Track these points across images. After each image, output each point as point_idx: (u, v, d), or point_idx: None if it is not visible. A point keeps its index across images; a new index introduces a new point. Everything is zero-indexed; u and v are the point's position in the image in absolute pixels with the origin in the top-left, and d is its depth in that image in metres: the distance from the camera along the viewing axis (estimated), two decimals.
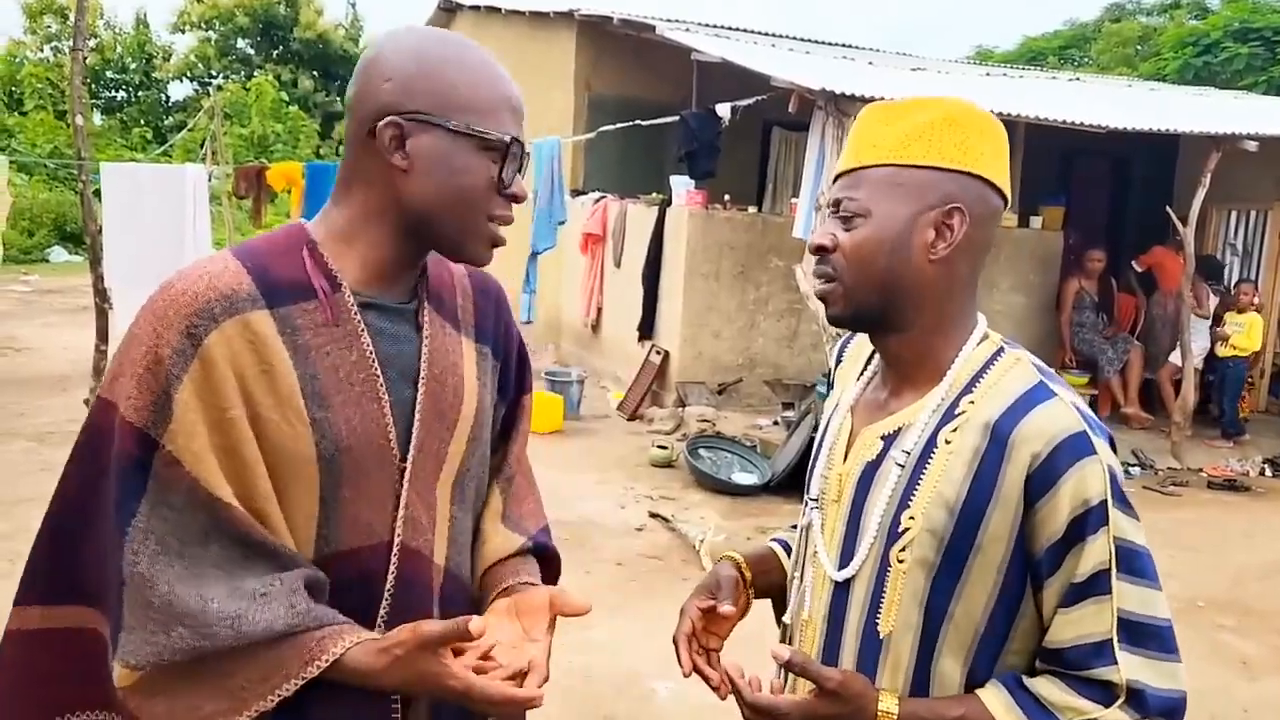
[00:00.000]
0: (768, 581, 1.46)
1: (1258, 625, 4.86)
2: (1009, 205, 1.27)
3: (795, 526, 1.52)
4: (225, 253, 1.23)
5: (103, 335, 7.04)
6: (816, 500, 1.33)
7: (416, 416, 1.26)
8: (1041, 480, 1.13)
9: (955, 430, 1.19)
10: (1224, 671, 4.32)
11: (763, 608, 1.49)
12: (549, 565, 1.47)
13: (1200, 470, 7.63)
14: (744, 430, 7.58)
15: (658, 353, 8.58)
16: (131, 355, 1.16)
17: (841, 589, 1.25)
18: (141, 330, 1.17)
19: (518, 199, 1.27)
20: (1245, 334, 8.31)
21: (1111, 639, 1.13)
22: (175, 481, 1.13)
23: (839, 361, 1.46)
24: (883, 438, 1.25)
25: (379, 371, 1.24)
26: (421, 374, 1.28)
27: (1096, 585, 1.13)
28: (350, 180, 1.25)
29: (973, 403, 1.20)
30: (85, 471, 1.19)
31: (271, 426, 1.17)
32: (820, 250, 1.25)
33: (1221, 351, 8.41)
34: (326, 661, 1.12)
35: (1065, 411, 1.16)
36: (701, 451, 6.88)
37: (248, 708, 1.12)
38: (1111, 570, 1.13)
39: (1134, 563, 1.14)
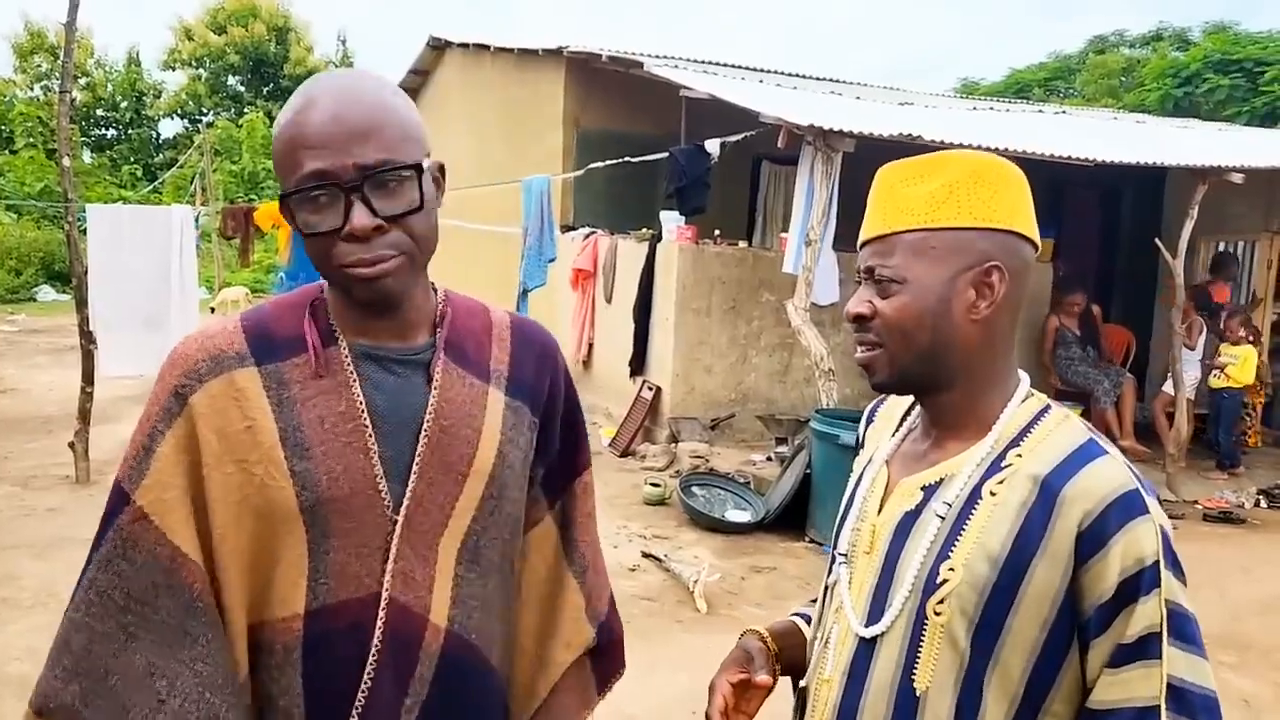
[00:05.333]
0: (793, 655, 1.41)
1: (1258, 661, 4.80)
2: (1039, 251, 1.25)
3: (815, 601, 1.48)
4: (234, 315, 1.30)
5: (88, 377, 6.95)
6: (845, 555, 1.29)
7: (415, 468, 1.24)
8: (1093, 538, 1.10)
9: (1001, 482, 1.16)
10: (1225, 710, 4.24)
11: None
12: (610, 652, 1.54)
13: (1196, 503, 7.59)
14: (737, 466, 7.53)
15: (649, 388, 8.54)
16: (139, 419, 1.23)
17: (866, 645, 1.21)
18: (150, 394, 1.25)
19: (356, 236, 1.16)
20: (1240, 366, 8.31)
21: (1159, 705, 1.09)
22: (140, 535, 1.17)
23: (870, 422, 1.45)
24: (923, 488, 1.22)
25: (368, 422, 1.23)
26: (426, 425, 1.25)
27: (1145, 649, 1.09)
28: None
29: (1020, 455, 1.17)
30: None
31: (256, 481, 1.20)
32: (859, 319, 1.24)
33: (1215, 383, 8.41)
34: None
35: (1118, 469, 1.13)
36: (695, 489, 6.83)
37: None
38: (1163, 634, 1.09)
39: (1184, 628, 1.11)
